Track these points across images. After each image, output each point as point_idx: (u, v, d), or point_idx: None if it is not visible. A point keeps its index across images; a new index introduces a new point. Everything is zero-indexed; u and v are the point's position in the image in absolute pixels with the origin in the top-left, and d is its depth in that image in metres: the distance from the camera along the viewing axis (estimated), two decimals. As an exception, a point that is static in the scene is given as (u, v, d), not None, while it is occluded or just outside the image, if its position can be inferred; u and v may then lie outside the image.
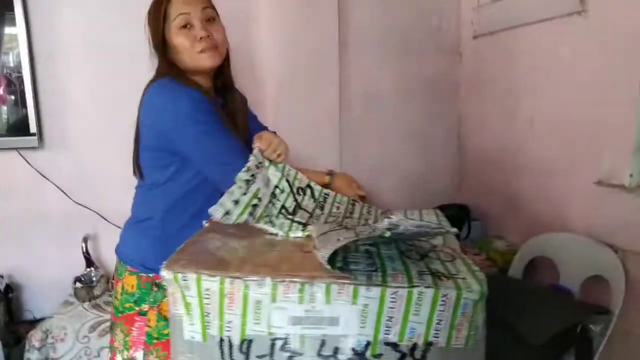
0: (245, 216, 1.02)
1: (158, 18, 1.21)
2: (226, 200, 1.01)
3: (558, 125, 1.86)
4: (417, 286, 0.76)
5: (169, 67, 1.22)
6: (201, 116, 1.14)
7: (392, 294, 0.75)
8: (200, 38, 1.19)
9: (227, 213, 1.01)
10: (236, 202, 1.02)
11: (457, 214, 2.24)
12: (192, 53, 1.20)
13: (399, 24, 2.34)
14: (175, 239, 0.93)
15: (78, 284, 1.96)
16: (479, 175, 2.39)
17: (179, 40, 1.20)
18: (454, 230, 0.92)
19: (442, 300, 0.76)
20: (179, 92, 1.15)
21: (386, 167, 2.43)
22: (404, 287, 0.76)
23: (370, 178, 2.29)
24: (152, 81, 1.23)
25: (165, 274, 0.79)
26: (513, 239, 2.10)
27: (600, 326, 1.50)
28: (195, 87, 1.18)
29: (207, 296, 0.77)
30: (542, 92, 1.93)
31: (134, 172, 1.30)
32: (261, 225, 1.01)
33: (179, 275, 0.78)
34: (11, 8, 1.91)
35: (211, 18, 1.23)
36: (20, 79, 1.96)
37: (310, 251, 0.86)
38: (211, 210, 1.01)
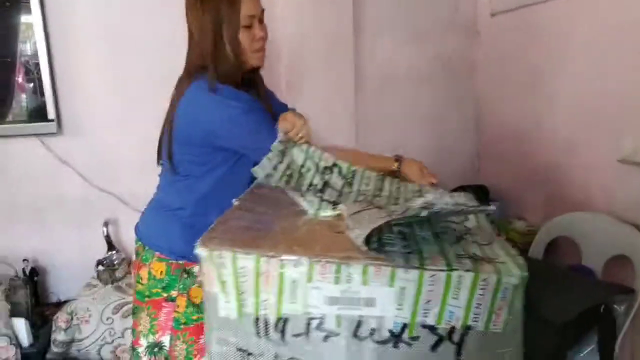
0: (282, 183, 1.06)
1: (233, 14, 1.17)
2: (266, 164, 1.06)
3: (579, 103, 1.83)
4: (457, 269, 0.75)
5: (216, 63, 1.19)
6: (253, 115, 1.17)
7: (430, 276, 0.75)
8: (259, 38, 1.21)
9: (268, 176, 1.06)
10: (274, 168, 1.07)
11: (476, 195, 2.22)
12: (248, 52, 1.21)
13: (414, 4, 2.31)
14: (204, 229, 0.93)
15: (100, 267, 2.00)
16: (497, 155, 2.37)
17: (241, 38, 1.19)
18: (492, 208, 0.91)
19: (482, 285, 0.75)
20: (228, 93, 1.17)
21: (403, 149, 2.38)
22: (443, 271, 0.75)
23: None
24: (190, 76, 1.21)
25: (200, 251, 0.79)
26: (533, 220, 2.09)
27: (624, 305, 1.49)
28: (242, 90, 1.20)
29: (243, 274, 0.78)
30: (562, 70, 1.89)
31: (158, 161, 1.30)
32: (296, 196, 1.03)
33: (215, 253, 0.79)
34: (28, -4, 1.91)
35: (263, 18, 1.25)
36: (38, 66, 1.97)
37: (342, 231, 0.86)
38: (254, 169, 1.07)
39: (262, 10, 1.23)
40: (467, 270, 0.75)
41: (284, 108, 1.41)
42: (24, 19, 1.95)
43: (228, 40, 1.17)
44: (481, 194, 2.27)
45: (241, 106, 1.16)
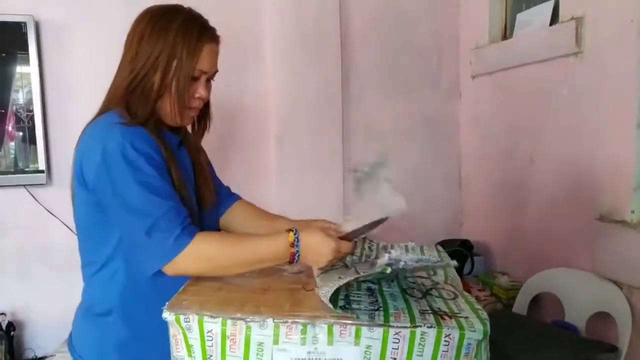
0: None
1: (190, 58, 1.03)
2: None
3: (558, 163, 1.89)
4: (420, 326, 0.76)
5: (141, 106, 1.03)
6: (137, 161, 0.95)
7: (394, 334, 0.76)
8: (198, 97, 1.08)
9: None
10: None
11: (460, 250, 2.25)
12: (181, 106, 1.05)
13: (399, 64, 2.41)
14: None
15: (81, 321, 1.95)
16: (481, 211, 2.41)
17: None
18: (454, 263, 0.94)
19: (445, 341, 0.76)
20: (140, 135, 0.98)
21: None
22: (407, 327, 0.76)
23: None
24: (101, 113, 1.08)
25: (167, 315, 0.80)
26: (517, 275, 2.10)
27: (608, 364, 1.50)
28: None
29: (209, 338, 0.78)
30: (541, 131, 1.97)
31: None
32: None
33: (181, 317, 0.79)
34: (25, 48, 1.97)
35: (212, 78, 1.14)
36: (30, 116, 2.00)
37: (312, 289, 0.87)
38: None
39: (215, 72, 1.12)
40: (431, 327, 0.76)
41: (222, 189, 1.30)
42: (19, 69, 1.99)
43: (176, 80, 1.02)
44: (465, 248, 2.29)
45: (141, 161, 0.94)
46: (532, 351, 1.52)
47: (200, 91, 1.08)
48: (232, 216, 1.29)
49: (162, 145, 1.01)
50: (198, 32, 1.05)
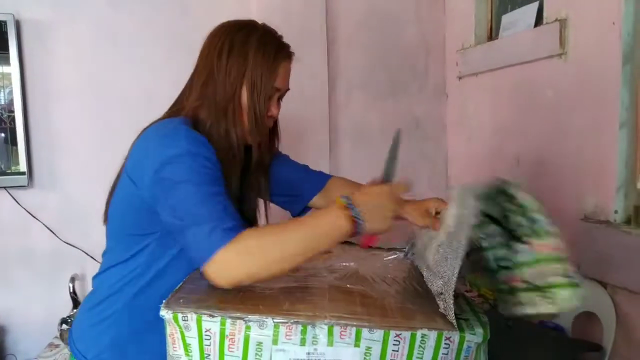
0: None
1: (268, 77, 1.02)
2: None
3: (543, 163, 1.90)
4: (421, 328, 0.76)
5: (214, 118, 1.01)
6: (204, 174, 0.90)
7: (395, 336, 0.75)
8: (270, 115, 1.07)
9: None
10: None
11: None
12: (258, 125, 1.03)
13: (385, 66, 2.42)
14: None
15: (64, 326, 1.92)
16: (468, 211, 2.42)
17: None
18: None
19: (446, 344, 0.76)
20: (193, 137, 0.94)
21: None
22: (407, 330, 0.76)
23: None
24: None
25: (164, 313, 0.78)
26: (503, 275, 2.11)
27: (593, 362, 1.51)
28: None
29: (207, 337, 0.77)
30: (526, 132, 1.99)
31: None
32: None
33: (179, 315, 0.78)
34: (5, 47, 1.94)
35: (283, 97, 1.13)
36: (11, 117, 1.96)
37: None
38: None
39: (287, 90, 1.12)
40: (431, 329, 0.76)
41: (314, 179, 1.30)
42: (0, 69, 1.96)
43: (255, 100, 1.00)
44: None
45: (193, 152, 0.90)
46: (518, 351, 1.53)
47: (273, 110, 1.07)
48: (331, 197, 1.27)
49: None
50: (275, 50, 1.04)
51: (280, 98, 1.11)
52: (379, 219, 0.85)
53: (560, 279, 0.84)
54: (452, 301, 0.75)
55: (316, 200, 1.30)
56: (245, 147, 1.09)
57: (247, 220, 1.15)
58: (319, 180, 1.32)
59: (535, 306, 0.84)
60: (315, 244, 0.84)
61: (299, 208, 1.32)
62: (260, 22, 1.13)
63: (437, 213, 1.08)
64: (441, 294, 0.78)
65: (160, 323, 0.79)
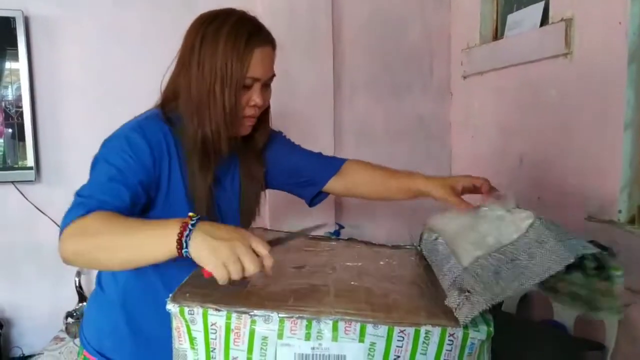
0: None
1: (240, 66, 0.98)
2: None
3: (547, 162, 1.91)
4: (425, 325, 0.77)
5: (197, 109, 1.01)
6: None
7: (399, 332, 0.76)
8: (253, 105, 1.03)
9: None
10: None
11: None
12: (235, 115, 1.01)
13: (390, 65, 2.42)
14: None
15: (70, 319, 1.94)
16: (472, 210, 2.42)
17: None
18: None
19: (449, 340, 0.76)
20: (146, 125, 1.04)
21: (379, 204, 2.46)
22: (411, 326, 0.76)
23: (364, 213, 2.31)
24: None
25: (170, 307, 0.79)
26: (506, 274, 2.11)
27: (595, 361, 1.51)
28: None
29: (213, 330, 0.78)
30: (531, 132, 1.99)
31: None
32: None
33: (185, 309, 0.78)
34: (14, 44, 1.95)
35: (269, 82, 1.09)
36: (19, 112, 1.98)
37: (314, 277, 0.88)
38: None
39: (272, 76, 1.07)
40: (435, 326, 0.77)
41: (325, 164, 1.29)
42: (8, 65, 1.97)
43: (227, 91, 0.98)
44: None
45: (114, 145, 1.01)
46: (520, 349, 1.54)
47: (255, 99, 1.02)
48: (350, 181, 1.28)
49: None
50: (247, 37, 0.99)
51: (265, 86, 1.06)
52: (206, 250, 0.76)
53: None
54: (482, 309, 0.76)
55: (333, 184, 1.27)
56: (243, 137, 1.10)
57: (247, 210, 1.18)
58: (332, 164, 1.29)
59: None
60: (137, 250, 0.82)
61: (311, 194, 1.29)
62: (262, 20, 1.12)
63: (467, 191, 1.10)
64: (468, 291, 0.79)
65: (154, 310, 0.81)
